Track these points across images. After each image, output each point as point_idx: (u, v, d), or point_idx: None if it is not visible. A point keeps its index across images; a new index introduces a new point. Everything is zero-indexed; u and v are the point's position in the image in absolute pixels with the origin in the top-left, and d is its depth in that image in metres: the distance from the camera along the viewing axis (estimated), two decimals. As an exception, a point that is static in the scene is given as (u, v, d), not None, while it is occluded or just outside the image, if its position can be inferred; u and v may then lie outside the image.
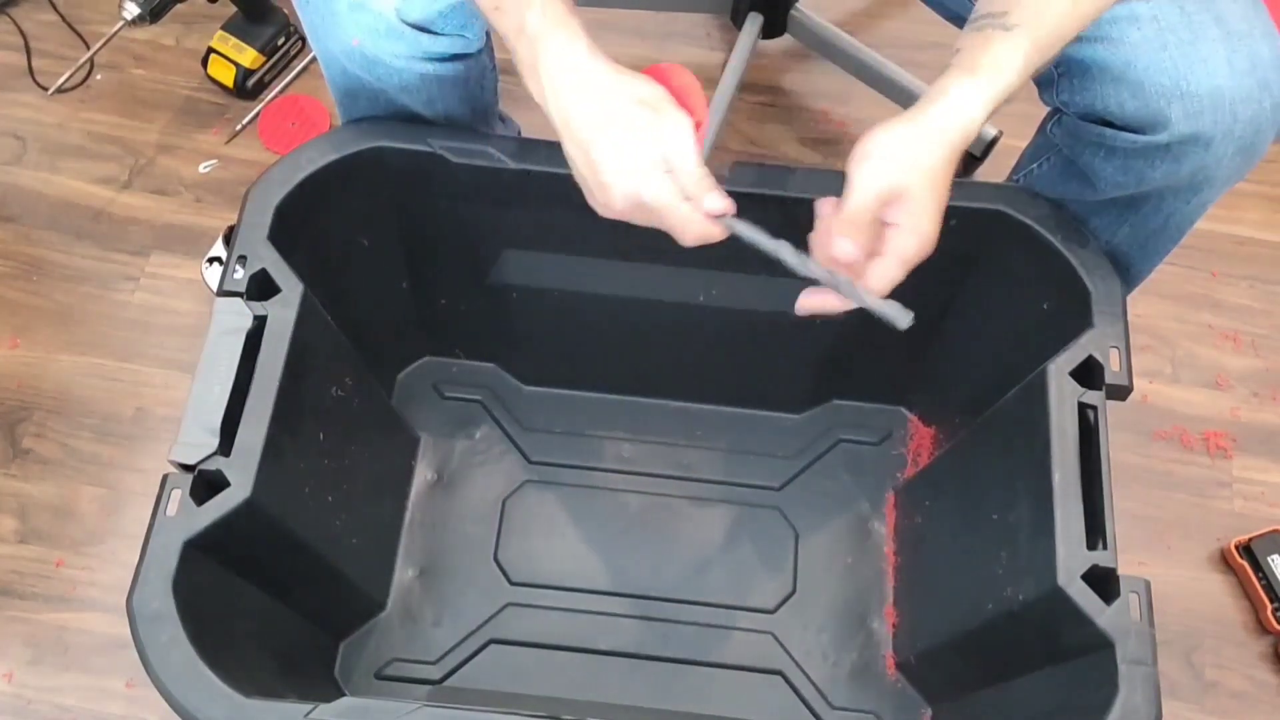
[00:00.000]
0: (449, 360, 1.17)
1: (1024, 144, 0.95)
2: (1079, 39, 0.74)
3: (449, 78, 0.85)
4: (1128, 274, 0.91)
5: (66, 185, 1.30)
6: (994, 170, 1.27)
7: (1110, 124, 0.78)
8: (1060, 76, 0.80)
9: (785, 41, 1.36)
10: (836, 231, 0.70)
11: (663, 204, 0.70)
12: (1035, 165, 0.91)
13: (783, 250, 0.72)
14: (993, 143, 1.27)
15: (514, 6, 0.71)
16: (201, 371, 0.79)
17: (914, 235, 0.69)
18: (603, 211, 0.73)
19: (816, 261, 0.72)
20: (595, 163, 0.70)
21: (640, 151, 0.69)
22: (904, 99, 1.31)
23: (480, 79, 0.90)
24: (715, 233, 0.72)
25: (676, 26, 1.44)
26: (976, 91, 0.69)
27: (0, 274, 1.25)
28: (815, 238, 0.73)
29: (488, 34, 0.85)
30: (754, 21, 1.30)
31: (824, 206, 0.73)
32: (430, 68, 0.83)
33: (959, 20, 0.92)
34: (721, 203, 0.71)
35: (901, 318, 0.70)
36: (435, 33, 0.80)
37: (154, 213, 1.29)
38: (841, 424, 1.15)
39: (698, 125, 0.72)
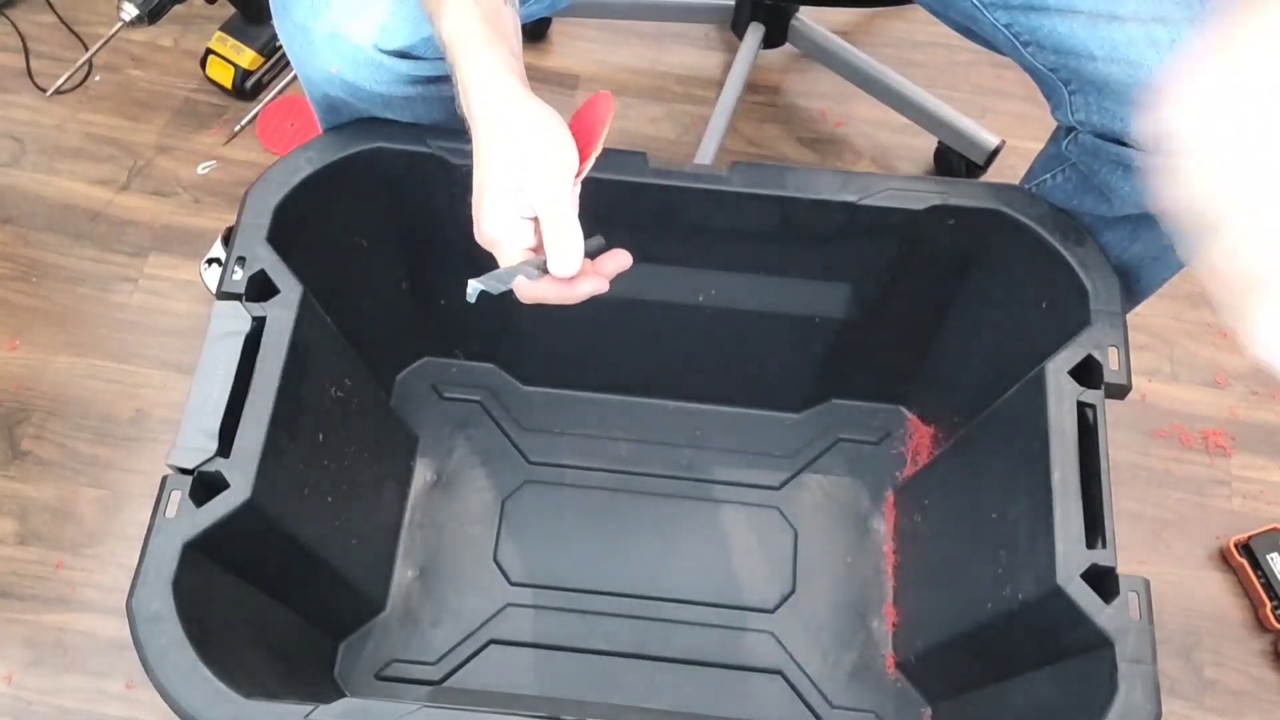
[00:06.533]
0: (448, 360, 1.17)
1: (1020, 143, 0.94)
2: (1094, 59, 0.74)
3: (434, 97, 0.83)
4: (1138, 287, 0.90)
5: (65, 187, 1.30)
6: (997, 176, 1.27)
7: (1127, 143, 0.77)
8: (1074, 94, 0.79)
9: (785, 46, 1.36)
10: None
11: (501, 254, 0.69)
12: (1048, 176, 0.89)
13: None
14: (995, 151, 1.26)
15: (433, 9, 0.70)
16: (200, 374, 0.79)
17: None
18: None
19: None
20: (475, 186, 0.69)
21: (503, 191, 0.67)
22: (904, 107, 1.31)
23: None
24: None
25: (674, 29, 1.44)
26: None
27: (-1, 275, 1.25)
28: None
29: None
30: (755, 32, 1.29)
31: None
32: (414, 90, 0.81)
33: (958, 26, 0.91)
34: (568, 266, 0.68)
35: None
36: (417, 57, 0.79)
37: (152, 214, 1.29)
38: (841, 423, 1.15)
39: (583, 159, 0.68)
